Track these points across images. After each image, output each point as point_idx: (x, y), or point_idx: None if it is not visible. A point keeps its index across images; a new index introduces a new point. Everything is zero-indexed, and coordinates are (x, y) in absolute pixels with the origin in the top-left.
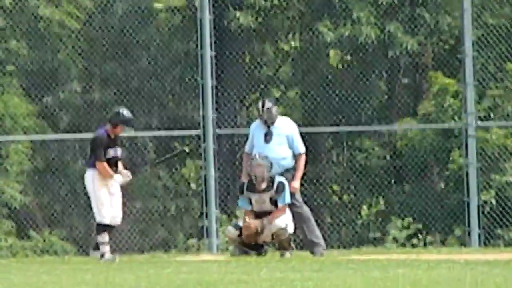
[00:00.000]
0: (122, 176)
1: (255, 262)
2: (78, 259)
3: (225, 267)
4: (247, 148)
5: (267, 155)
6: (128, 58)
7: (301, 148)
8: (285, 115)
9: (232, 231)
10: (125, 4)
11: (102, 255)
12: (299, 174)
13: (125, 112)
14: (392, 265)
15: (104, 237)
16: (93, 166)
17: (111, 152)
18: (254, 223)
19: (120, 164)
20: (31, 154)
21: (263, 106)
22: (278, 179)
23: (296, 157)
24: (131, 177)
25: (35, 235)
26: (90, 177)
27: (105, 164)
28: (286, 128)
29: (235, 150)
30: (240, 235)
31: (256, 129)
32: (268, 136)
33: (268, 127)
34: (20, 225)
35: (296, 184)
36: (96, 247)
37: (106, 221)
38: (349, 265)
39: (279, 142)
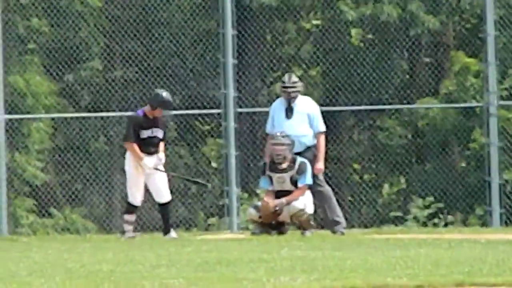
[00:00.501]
0: (157, 159)
1: (275, 241)
2: (99, 237)
3: (246, 245)
4: (268, 128)
5: (288, 134)
6: (150, 36)
7: (321, 127)
8: (306, 94)
9: (253, 213)
10: None
11: (123, 233)
12: (322, 154)
13: (164, 94)
14: (413, 245)
15: (131, 217)
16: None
17: (145, 133)
18: (272, 202)
19: (161, 145)
20: (52, 132)
21: (289, 80)
22: (300, 159)
23: (316, 136)
24: (163, 161)
25: (56, 213)
26: (127, 158)
27: (134, 144)
28: (307, 107)
29: (255, 128)
30: (260, 216)
31: (276, 108)
32: (289, 112)
33: (289, 104)
34: (41, 203)
35: (320, 165)
36: (123, 233)
37: (135, 202)
38: (370, 244)
39: (300, 120)
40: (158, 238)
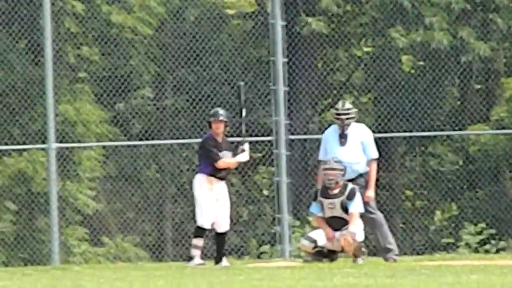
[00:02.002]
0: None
1: (328, 268)
2: (151, 265)
3: (298, 273)
4: (320, 155)
5: (341, 160)
6: (200, 64)
7: (374, 154)
8: (358, 121)
9: (306, 244)
10: (197, 10)
11: (191, 259)
12: (373, 182)
13: (212, 110)
14: (465, 271)
15: (199, 242)
16: (201, 171)
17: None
18: (349, 236)
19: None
20: (104, 160)
21: (343, 106)
22: (351, 185)
23: (368, 163)
24: (247, 150)
25: (108, 241)
26: (198, 181)
27: (222, 160)
28: (361, 134)
29: (307, 156)
30: (315, 247)
31: (330, 134)
32: (342, 139)
33: (343, 131)
34: (93, 232)
35: (371, 193)
36: (190, 259)
37: (206, 225)
38: (422, 271)
39: (354, 147)
40: (210, 266)
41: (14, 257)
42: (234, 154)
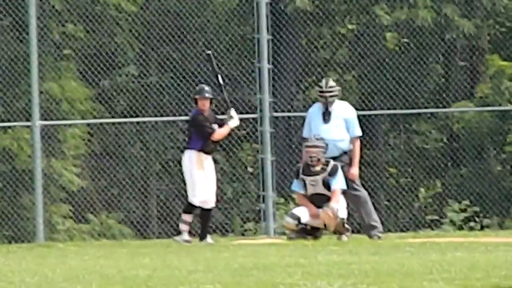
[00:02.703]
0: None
1: (312, 246)
2: (135, 242)
3: (282, 250)
4: (304, 132)
5: (322, 137)
6: (185, 41)
7: (358, 132)
8: (342, 98)
9: (290, 221)
10: None
11: (179, 233)
12: (357, 159)
13: (198, 86)
14: (450, 248)
15: (188, 218)
16: (191, 147)
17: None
18: (330, 211)
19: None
20: (88, 138)
21: (326, 84)
22: (333, 162)
23: (352, 140)
24: (235, 115)
25: (92, 219)
26: (188, 158)
27: (218, 130)
28: (344, 111)
29: (291, 133)
30: (298, 224)
31: (313, 112)
32: (326, 117)
33: (327, 108)
34: (78, 209)
35: (355, 170)
36: (178, 233)
37: (196, 202)
38: (406, 248)
39: (337, 124)
40: (194, 243)
41: None
42: (222, 126)
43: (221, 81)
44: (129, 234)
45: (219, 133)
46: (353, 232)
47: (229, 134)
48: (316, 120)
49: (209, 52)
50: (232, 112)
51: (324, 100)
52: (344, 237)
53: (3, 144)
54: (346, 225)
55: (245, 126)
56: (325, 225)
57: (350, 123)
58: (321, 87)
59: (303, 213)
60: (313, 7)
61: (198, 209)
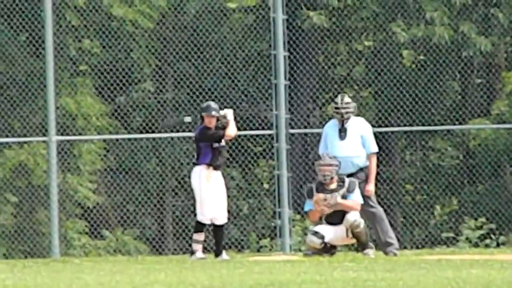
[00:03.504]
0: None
1: (328, 262)
2: (151, 258)
3: (298, 267)
4: (321, 149)
5: (335, 155)
6: (201, 58)
7: (374, 148)
8: (358, 115)
9: (315, 240)
10: (198, 4)
11: (193, 253)
12: (373, 176)
13: (204, 103)
14: (465, 266)
15: (200, 236)
16: (200, 163)
17: (215, 144)
18: (322, 195)
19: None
20: (104, 153)
21: (342, 100)
22: (349, 178)
23: (368, 157)
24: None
25: (108, 235)
26: (197, 173)
27: (227, 130)
28: (360, 128)
29: (307, 150)
30: (322, 243)
31: (329, 129)
32: (342, 133)
33: (342, 125)
34: (93, 225)
35: (371, 187)
36: (192, 253)
37: (206, 220)
38: (422, 265)
39: (354, 141)
40: (210, 259)
41: (14, 250)
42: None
43: (188, 119)
44: (144, 250)
45: (230, 129)
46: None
47: (244, 147)
48: (332, 136)
49: (186, 119)
50: (222, 111)
51: (339, 117)
52: (370, 252)
53: (19, 159)
54: (370, 243)
55: (261, 142)
56: (346, 234)
57: (366, 139)
58: (336, 103)
59: (326, 231)
60: (330, 24)
61: (209, 226)
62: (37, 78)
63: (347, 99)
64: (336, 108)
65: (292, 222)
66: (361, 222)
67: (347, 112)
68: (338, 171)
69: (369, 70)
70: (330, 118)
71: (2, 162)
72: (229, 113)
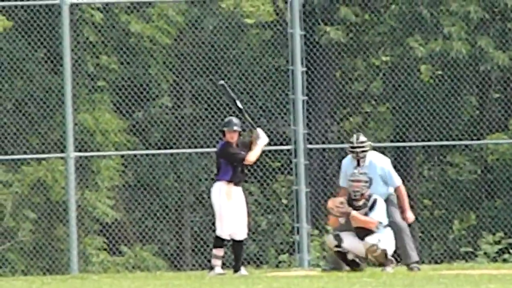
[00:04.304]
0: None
1: (346, 277)
2: (169, 274)
3: (317, 282)
4: (341, 182)
5: (366, 171)
6: (219, 73)
7: (398, 181)
8: (376, 130)
9: (331, 239)
10: (215, 20)
11: (212, 269)
12: (407, 204)
13: (226, 118)
14: (484, 280)
15: (219, 252)
16: (220, 178)
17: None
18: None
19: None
20: (122, 169)
21: (357, 140)
22: (374, 196)
23: (396, 191)
24: (262, 133)
25: (126, 251)
26: (217, 190)
27: (249, 154)
28: (378, 166)
29: (325, 165)
30: (337, 245)
31: (347, 165)
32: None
33: (358, 163)
34: (112, 241)
35: (409, 214)
36: (211, 269)
37: (225, 236)
38: (440, 280)
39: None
40: (228, 275)
41: (33, 266)
42: (251, 149)
43: (240, 105)
44: (163, 266)
45: (252, 155)
46: (397, 263)
47: (262, 163)
48: (350, 171)
49: (222, 82)
50: (259, 131)
51: (355, 156)
52: (389, 269)
53: (38, 175)
54: (390, 257)
55: (279, 158)
56: (366, 257)
57: (387, 174)
58: (351, 142)
59: (347, 238)
60: (347, 39)
61: (228, 242)
62: (55, 94)
63: (362, 138)
64: (352, 147)
65: (311, 237)
66: (379, 247)
67: (362, 151)
68: (369, 187)
69: (387, 85)
70: (348, 134)
71: (20, 178)
72: (263, 139)
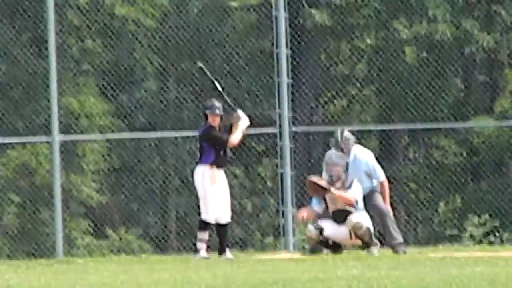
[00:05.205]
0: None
1: (331, 260)
2: (155, 257)
3: (302, 265)
4: (324, 175)
5: (342, 155)
6: (204, 56)
7: (382, 175)
8: (361, 113)
9: (312, 230)
10: (200, 2)
11: (197, 251)
12: (387, 199)
13: (208, 101)
14: (469, 263)
15: (204, 235)
16: (204, 162)
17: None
18: (315, 177)
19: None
20: (107, 153)
21: (341, 135)
22: (351, 178)
23: (380, 184)
24: (243, 115)
25: (111, 234)
26: (200, 173)
27: (231, 136)
28: (363, 161)
29: (311, 148)
30: (320, 234)
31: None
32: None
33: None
34: (97, 224)
35: (388, 208)
36: (196, 252)
37: (210, 219)
38: (426, 263)
39: (357, 178)
40: (214, 258)
41: (18, 250)
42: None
43: (219, 87)
44: (148, 250)
45: (235, 137)
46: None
47: (247, 146)
48: None
49: (200, 64)
50: (240, 112)
51: (339, 151)
52: (374, 250)
53: (22, 159)
54: (374, 239)
55: (264, 141)
56: (349, 235)
57: (372, 169)
58: (336, 137)
59: (327, 226)
60: (332, 22)
61: (213, 225)
62: (40, 78)
63: (346, 133)
64: (336, 142)
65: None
66: (363, 224)
67: (346, 147)
68: (345, 171)
69: (372, 67)
70: (332, 117)
71: (5, 162)
72: (244, 120)
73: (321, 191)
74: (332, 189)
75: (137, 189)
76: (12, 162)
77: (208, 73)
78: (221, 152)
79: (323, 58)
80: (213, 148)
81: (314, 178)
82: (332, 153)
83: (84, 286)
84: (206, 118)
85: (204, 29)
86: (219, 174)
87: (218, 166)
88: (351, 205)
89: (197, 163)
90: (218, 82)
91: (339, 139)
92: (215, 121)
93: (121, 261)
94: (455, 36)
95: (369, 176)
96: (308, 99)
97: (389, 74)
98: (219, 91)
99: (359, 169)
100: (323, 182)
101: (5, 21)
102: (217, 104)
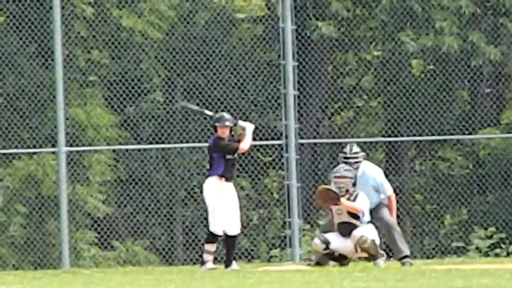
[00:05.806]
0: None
1: (337, 272)
2: (161, 269)
3: (308, 277)
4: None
5: (350, 168)
6: (210, 68)
7: (389, 190)
8: (367, 125)
9: (318, 243)
10: (207, 14)
11: (204, 263)
12: (395, 213)
13: (217, 114)
14: (476, 275)
15: (211, 247)
16: (213, 174)
17: (228, 155)
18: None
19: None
20: (114, 164)
21: (351, 150)
22: (358, 191)
23: (388, 199)
24: (246, 124)
25: (118, 245)
26: (209, 185)
27: (241, 143)
28: (370, 178)
29: (317, 159)
30: (326, 248)
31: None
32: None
33: None
34: (103, 235)
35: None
36: (203, 264)
37: (218, 231)
38: (432, 275)
39: (365, 193)
40: (220, 269)
41: (24, 261)
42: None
43: (209, 113)
44: (154, 261)
45: (245, 143)
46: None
47: (253, 157)
48: None
49: (182, 103)
50: (241, 122)
51: (348, 166)
52: (380, 262)
53: (29, 170)
54: (380, 250)
55: (270, 152)
56: (355, 249)
57: (380, 185)
58: (345, 153)
59: (333, 239)
60: (339, 34)
61: (221, 238)
62: (47, 89)
63: (355, 148)
64: (345, 158)
65: (302, 232)
66: (368, 238)
67: (356, 162)
68: (354, 184)
69: (378, 79)
70: (339, 129)
71: (11, 173)
72: (248, 126)
73: (331, 200)
74: (342, 199)
75: (144, 201)
76: (18, 173)
77: (192, 107)
78: (230, 164)
79: (329, 70)
80: (223, 158)
81: (326, 186)
82: (340, 167)
83: None
84: (215, 130)
85: (211, 40)
86: (228, 186)
87: (227, 178)
88: (357, 216)
89: (206, 176)
90: (207, 108)
91: (348, 154)
92: (224, 133)
93: (128, 272)
94: (461, 49)
95: (377, 191)
96: (315, 111)
97: (396, 86)
98: (211, 117)
99: (367, 184)
100: (335, 189)
101: (11, 32)
102: (226, 116)
